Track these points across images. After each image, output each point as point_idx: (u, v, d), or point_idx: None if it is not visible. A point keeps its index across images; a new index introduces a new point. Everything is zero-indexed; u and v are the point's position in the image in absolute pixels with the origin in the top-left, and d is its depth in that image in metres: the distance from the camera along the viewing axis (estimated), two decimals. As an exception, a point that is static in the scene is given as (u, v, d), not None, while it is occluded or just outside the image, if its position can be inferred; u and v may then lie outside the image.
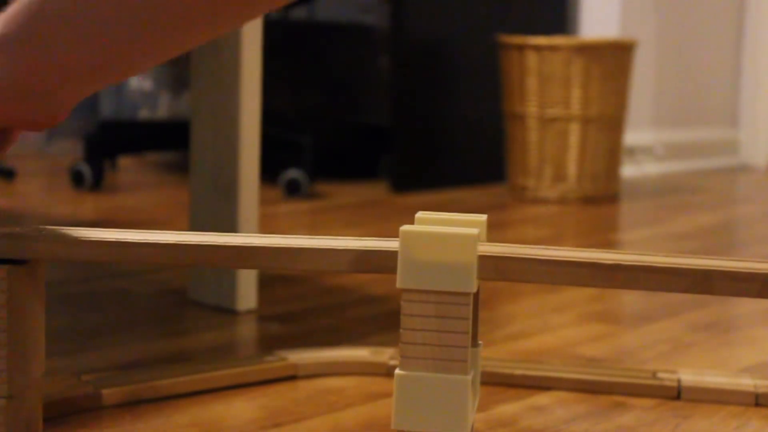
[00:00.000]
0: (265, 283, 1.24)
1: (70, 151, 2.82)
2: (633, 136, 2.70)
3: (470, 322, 0.58)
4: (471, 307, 0.58)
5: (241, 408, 0.81)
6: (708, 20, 3.03)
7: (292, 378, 0.89)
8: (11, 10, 0.55)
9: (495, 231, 1.77)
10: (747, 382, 0.86)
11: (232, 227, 1.12)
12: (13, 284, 0.62)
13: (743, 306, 1.24)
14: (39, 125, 0.61)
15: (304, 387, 0.87)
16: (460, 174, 2.41)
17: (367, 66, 2.65)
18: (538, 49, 2.20)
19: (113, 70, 0.57)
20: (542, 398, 0.85)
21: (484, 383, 0.86)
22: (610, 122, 2.27)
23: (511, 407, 0.82)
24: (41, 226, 0.64)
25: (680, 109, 3.01)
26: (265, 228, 1.67)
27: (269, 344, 1.01)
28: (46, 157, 2.82)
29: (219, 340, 1.03)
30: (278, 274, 1.28)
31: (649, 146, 2.88)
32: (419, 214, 0.66)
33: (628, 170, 2.74)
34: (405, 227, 0.60)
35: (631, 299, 1.29)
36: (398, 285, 0.60)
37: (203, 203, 1.16)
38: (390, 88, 2.38)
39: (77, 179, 2.21)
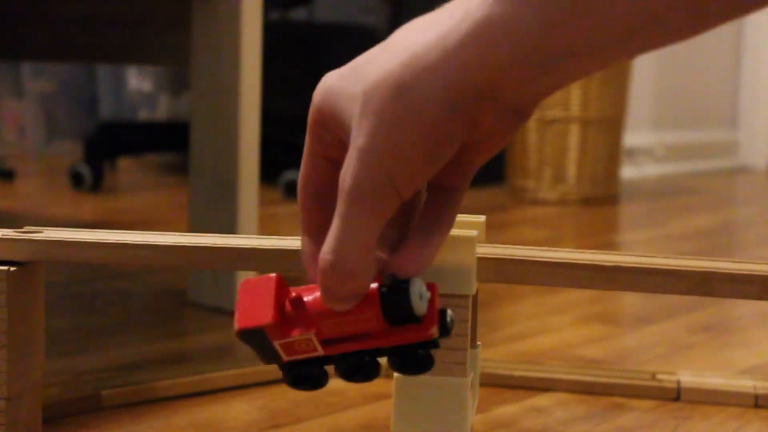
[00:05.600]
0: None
1: (69, 152, 2.82)
2: (632, 137, 2.70)
3: (469, 324, 0.58)
4: (470, 309, 0.58)
5: (241, 409, 0.81)
6: (708, 22, 3.03)
7: (292, 379, 0.89)
8: None
9: (494, 232, 1.77)
10: (746, 384, 0.86)
11: (231, 228, 1.12)
12: (13, 285, 0.62)
13: (743, 308, 1.24)
14: (512, 120, 0.44)
15: (304, 388, 0.87)
16: (459, 175, 2.40)
17: (367, 67, 2.65)
18: (537, 50, 2.20)
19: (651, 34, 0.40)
20: (542, 399, 0.85)
21: (483, 384, 0.86)
22: (609, 124, 2.27)
23: (510, 408, 0.82)
24: (41, 227, 0.64)
25: (680, 111, 3.01)
26: (265, 229, 1.67)
27: (269, 345, 1.01)
28: (46, 157, 2.82)
29: (218, 342, 1.03)
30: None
31: (648, 148, 2.88)
32: (419, 216, 0.66)
33: (628, 172, 2.74)
34: (404, 229, 0.60)
35: (630, 301, 1.29)
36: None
37: (203, 204, 1.16)
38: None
39: (77, 180, 2.21)
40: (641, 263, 0.58)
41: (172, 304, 1.18)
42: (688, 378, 0.88)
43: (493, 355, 0.98)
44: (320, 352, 0.46)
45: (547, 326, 1.13)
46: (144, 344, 1.01)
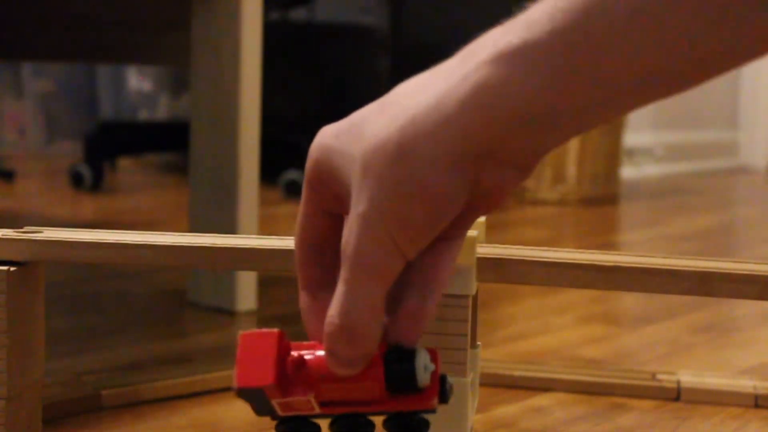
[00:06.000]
0: (264, 284, 1.24)
1: (69, 152, 2.82)
2: (632, 137, 2.70)
3: (469, 324, 0.58)
4: (470, 309, 0.58)
5: (241, 409, 0.81)
6: (708, 22, 3.04)
7: (292, 379, 0.89)
8: (538, 9, 0.40)
9: (494, 232, 1.77)
10: (746, 384, 0.86)
11: (231, 228, 1.12)
12: (13, 285, 0.62)
13: (743, 308, 1.24)
14: (513, 179, 0.43)
15: (304, 388, 0.87)
16: (459, 175, 2.41)
17: (367, 67, 2.65)
18: (537, 50, 2.20)
19: (659, 87, 0.39)
20: (542, 399, 0.85)
21: (483, 384, 0.86)
22: (609, 124, 2.27)
23: (510, 408, 0.82)
24: (41, 227, 0.64)
25: (680, 111, 3.01)
26: (265, 229, 1.67)
27: (269, 345, 1.01)
28: (46, 158, 2.82)
29: (218, 342, 1.03)
30: (278, 275, 1.28)
31: (648, 148, 2.88)
32: (419, 216, 0.66)
33: (628, 172, 2.74)
34: (404, 229, 0.60)
35: (630, 301, 1.29)
36: (398, 287, 0.60)
37: (203, 204, 1.16)
38: (389, 89, 2.38)
39: (77, 180, 2.21)
40: (641, 263, 0.58)
41: (172, 304, 1.18)
42: (688, 378, 0.88)
43: (493, 355, 0.98)
44: (317, 411, 0.46)
45: (547, 326, 1.13)
46: (144, 344, 1.01)
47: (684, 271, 0.58)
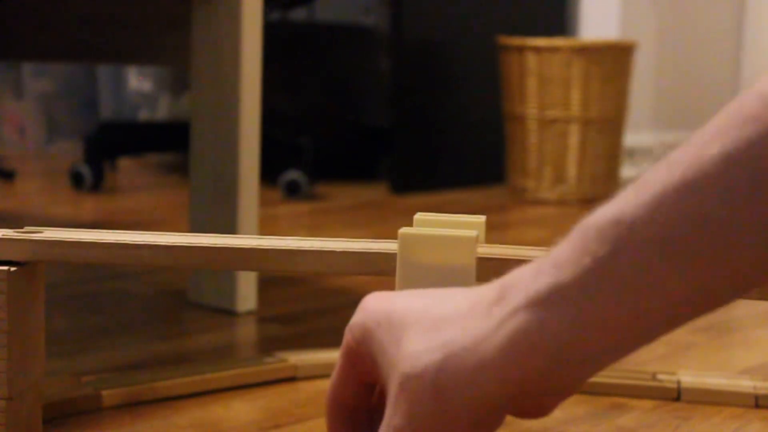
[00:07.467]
0: (264, 285, 1.24)
1: (69, 152, 2.82)
2: (633, 137, 2.70)
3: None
4: (470, 308, 0.58)
5: (241, 409, 0.81)
6: (708, 21, 3.04)
7: (292, 379, 0.89)
8: (566, 249, 0.41)
9: (494, 232, 1.77)
10: (747, 384, 0.86)
11: (231, 228, 1.12)
12: (13, 285, 0.62)
13: (743, 308, 1.24)
14: (533, 411, 0.45)
15: (304, 388, 0.87)
16: (459, 175, 2.41)
17: (367, 67, 2.65)
18: (537, 50, 2.20)
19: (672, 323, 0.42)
20: (542, 400, 0.85)
21: (483, 385, 0.86)
22: (609, 124, 2.27)
23: (510, 409, 0.82)
24: (41, 227, 0.64)
25: (680, 111, 3.01)
26: (265, 229, 1.67)
27: (269, 345, 1.01)
28: (46, 158, 2.82)
29: (219, 342, 1.03)
30: (278, 275, 1.28)
31: (649, 148, 2.88)
32: (418, 215, 0.66)
33: (628, 172, 2.74)
34: (404, 230, 0.60)
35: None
36: (397, 287, 0.60)
37: (203, 204, 1.16)
38: (390, 90, 2.38)
39: (77, 180, 2.21)
40: (641, 263, 0.58)
41: (172, 304, 1.18)
42: (688, 378, 0.88)
43: (493, 355, 0.98)
44: None
45: (547, 326, 1.12)
46: (144, 344, 1.01)
47: (684, 271, 0.57)
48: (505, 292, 0.42)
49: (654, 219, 0.39)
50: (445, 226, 0.63)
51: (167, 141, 2.46)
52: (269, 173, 1.96)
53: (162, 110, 2.97)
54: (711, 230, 0.38)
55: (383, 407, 0.45)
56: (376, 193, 2.29)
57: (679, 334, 1.09)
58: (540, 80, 2.21)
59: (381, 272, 0.61)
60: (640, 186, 0.40)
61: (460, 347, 0.42)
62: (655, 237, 0.38)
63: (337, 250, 0.61)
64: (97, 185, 2.21)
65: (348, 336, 0.47)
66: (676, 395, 0.86)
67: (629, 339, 0.41)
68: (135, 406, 0.81)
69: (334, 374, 0.49)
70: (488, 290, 0.43)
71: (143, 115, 3.01)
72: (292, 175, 2.16)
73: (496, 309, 0.42)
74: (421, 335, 0.44)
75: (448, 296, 0.45)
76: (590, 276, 0.40)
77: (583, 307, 0.40)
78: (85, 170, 2.20)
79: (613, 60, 2.23)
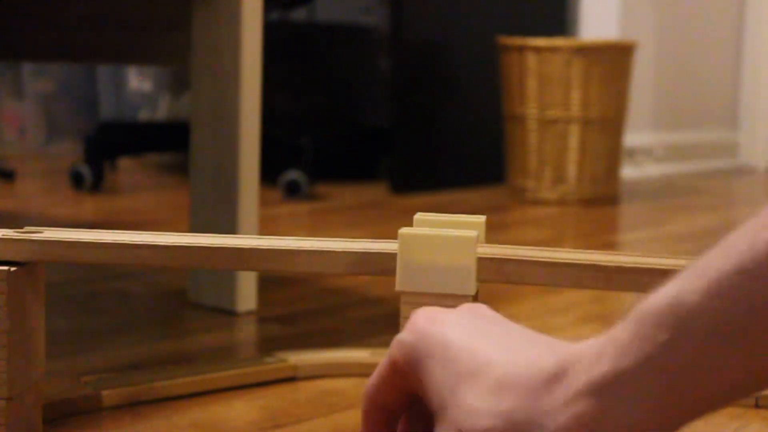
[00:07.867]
0: (264, 285, 1.24)
1: (69, 152, 2.82)
2: (633, 137, 2.70)
3: (470, 323, 0.58)
4: (470, 308, 0.58)
5: (241, 409, 0.81)
6: (708, 21, 3.04)
7: (292, 379, 0.89)
8: (627, 331, 0.42)
9: (494, 232, 1.76)
10: (746, 384, 0.86)
11: (231, 228, 1.12)
12: (13, 285, 0.62)
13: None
14: None
15: (304, 388, 0.87)
16: (459, 175, 2.41)
17: (367, 67, 2.65)
18: (537, 50, 2.20)
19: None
20: (542, 400, 0.85)
21: (483, 385, 0.86)
22: (609, 124, 2.27)
23: (510, 409, 0.82)
24: (41, 228, 0.64)
25: (680, 111, 3.01)
26: (265, 229, 1.67)
27: (269, 345, 1.01)
28: (46, 158, 2.82)
29: (219, 342, 1.03)
30: (278, 275, 1.28)
31: (648, 148, 2.88)
32: (418, 215, 0.66)
33: (628, 172, 2.74)
34: (404, 230, 0.60)
35: (630, 301, 1.28)
36: (397, 287, 0.60)
37: (203, 204, 1.16)
38: (390, 90, 2.38)
39: (77, 180, 2.21)
40: (642, 263, 0.58)
41: (172, 305, 1.18)
42: (688, 378, 0.87)
43: (493, 355, 0.98)
44: None
45: (547, 326, 1.13)
46: (144, 344, 1.01)
47: (684, 271, 0.57)
48: (566, 369, 0.42)
49: (711, 305, 0.39)
50: (445, 226, 0.63)
51: (167, 141, 2.46)
52: (269, 173, 1.96)
53: (162, 110, 2.97)
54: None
55: (421, 411, 0.46)
56: (376, 193, 2.30)
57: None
58: (540, 80, 2.21)
59: (381, 272, 0.61)
60: (696, 271, 0.40)
61: (523, 420, 0.42)
62: (712, 323, 0.39)
63: (337, 250, 0.61)
64: (97, 185, 2.21)
65: (395, 350, 0.47)
66: (676, 395, 0.86)
67: (686, 419, 0.42)
68: (135, 406, 0.81)
69: (376, 377, 0.49)
70: (547, 359, 0.44)
71: (143, 115, 3.01)
72: (292, 175, 2.16)
73: (557, 388, 0.42)
74: (482, 395, 0.44)
75: (504, 347, 0.46)
76: (651, 363, 0.40)
77: (644, 394, 0.40)
78: (85, 170, 2.20)
79: (613, 60, 2.23)
